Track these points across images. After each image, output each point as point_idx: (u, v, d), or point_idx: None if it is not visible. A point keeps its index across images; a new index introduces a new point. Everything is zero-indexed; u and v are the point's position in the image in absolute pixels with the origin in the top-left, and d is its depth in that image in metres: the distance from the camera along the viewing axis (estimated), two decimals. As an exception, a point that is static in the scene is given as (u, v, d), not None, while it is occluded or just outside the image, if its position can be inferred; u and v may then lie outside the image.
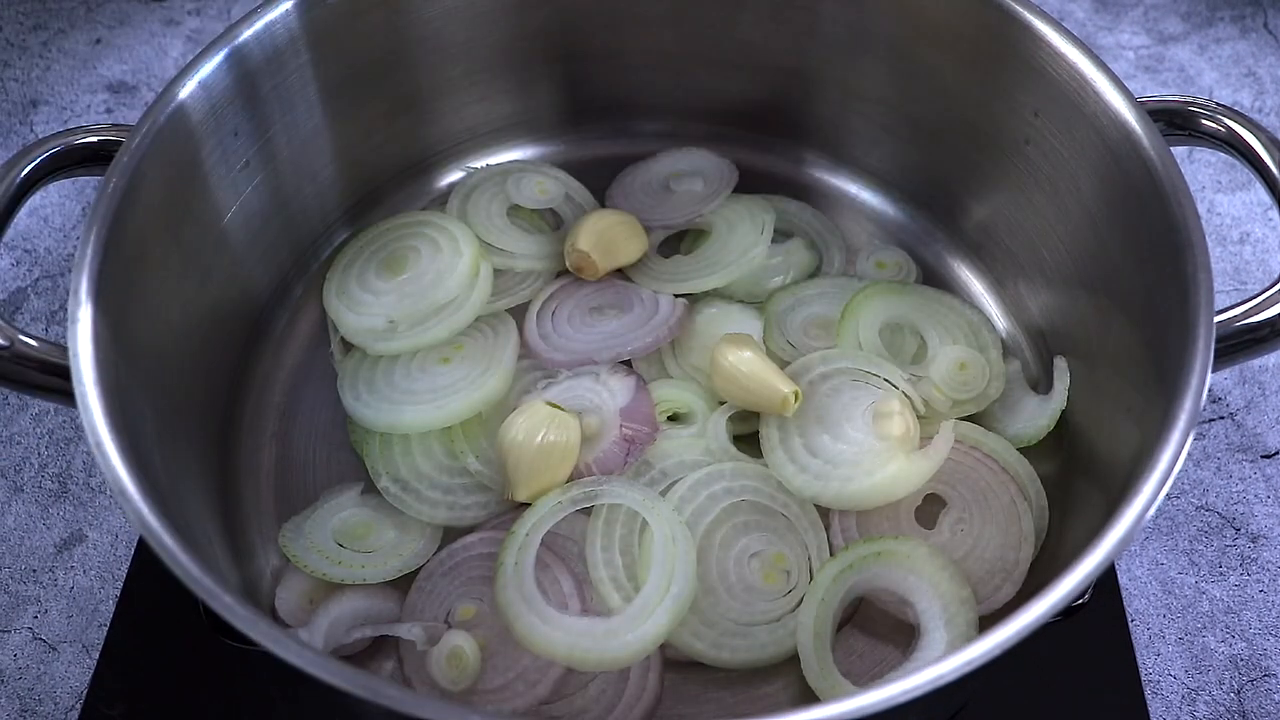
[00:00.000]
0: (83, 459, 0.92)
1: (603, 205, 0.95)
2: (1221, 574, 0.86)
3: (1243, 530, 0.88)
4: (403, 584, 0.75)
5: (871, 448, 0.76)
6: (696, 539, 0.74)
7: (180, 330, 0.75)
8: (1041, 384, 0.85)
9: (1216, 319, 0.65)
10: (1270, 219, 1.07)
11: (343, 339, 0.86)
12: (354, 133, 0.89)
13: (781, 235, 0.92)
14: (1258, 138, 0.72)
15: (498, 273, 0.89)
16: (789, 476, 0.77)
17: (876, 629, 0.74)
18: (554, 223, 0.94)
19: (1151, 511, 0.57)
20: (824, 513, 0.77)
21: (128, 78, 1.19)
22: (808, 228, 0.94)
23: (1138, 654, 0.82)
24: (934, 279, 0.92)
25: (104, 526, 0.88)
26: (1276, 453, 0.93)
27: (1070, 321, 0.82)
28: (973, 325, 0.86)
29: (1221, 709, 0.81)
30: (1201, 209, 1.06)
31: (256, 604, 0.65)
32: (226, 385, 0.83)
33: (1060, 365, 0.82)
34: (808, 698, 0.70)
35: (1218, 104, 0.74)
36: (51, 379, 0.66)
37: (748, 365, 0.78)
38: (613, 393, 0.80)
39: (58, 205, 1.08)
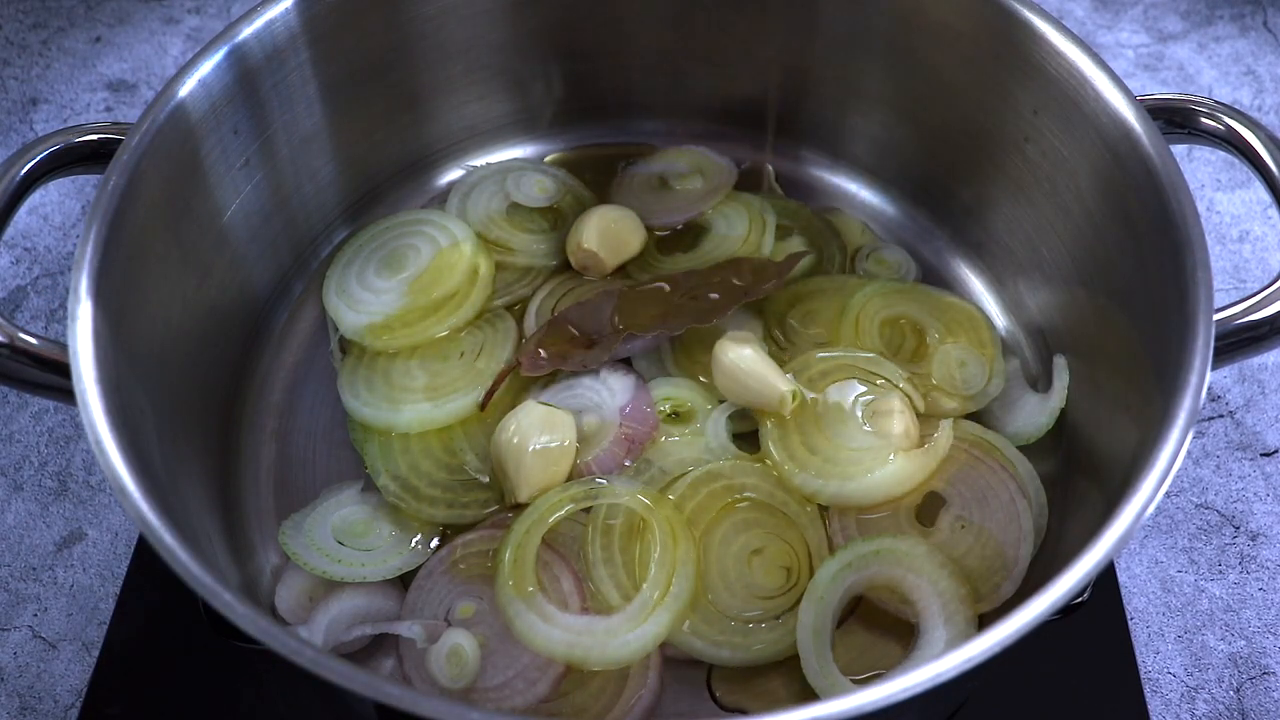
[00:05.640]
0: (82, 457, 0.92)
1: (601, 203, 0.95)
2: (1221, 572, 0.86)
3: (1242, 528, 0.89)
4: (402, 582, 0.75)
5: (871, 446, 0.76)
6: (696, 537, 0.74)
7: (180, 328, 0.75)
8: (1041, 382, 0.85)
9: (1216, 317, 0.65)
10: (1270, 217, 1.07)
11: (342, 337, 0.86)
12: (354, 131, 0.89)
13: (781, 234, 0.92)
14: (1257, 136, 0.72)
15: (497, 270, 0.89)
16: (788, 474, 0.77)
17: (876, 626, 0.74)
18: (553, 221, 0.94)
19: (1151, 509, 0.58)
20: (823, 511, 0.77)
21: (127, 76, 1.19)
22: (807, 226, 0.94)
23: (1137, 652, 0.82)
24: (933, 277, 0.92)
25: (104, 525, 0.88)
26: (1276, 451, 0.93)
27: (1069, 319, 0.82)
28: (972, 323, 0.86)
29: (1221, 707, 0.81)
30: (1201, 207, 1.06)
31: (256, 602, 0.65)
32: (226, 383, 0.83)
33: (1059, 363, 0.82)
34: (807, 695, 0.70)
35: (1217, 102, 0.74)
36: (51, 377, 0.66)
37: (747, 364, 0.78)
38: (612, 391, 0.80)
39: (57, 203, 1.08)
